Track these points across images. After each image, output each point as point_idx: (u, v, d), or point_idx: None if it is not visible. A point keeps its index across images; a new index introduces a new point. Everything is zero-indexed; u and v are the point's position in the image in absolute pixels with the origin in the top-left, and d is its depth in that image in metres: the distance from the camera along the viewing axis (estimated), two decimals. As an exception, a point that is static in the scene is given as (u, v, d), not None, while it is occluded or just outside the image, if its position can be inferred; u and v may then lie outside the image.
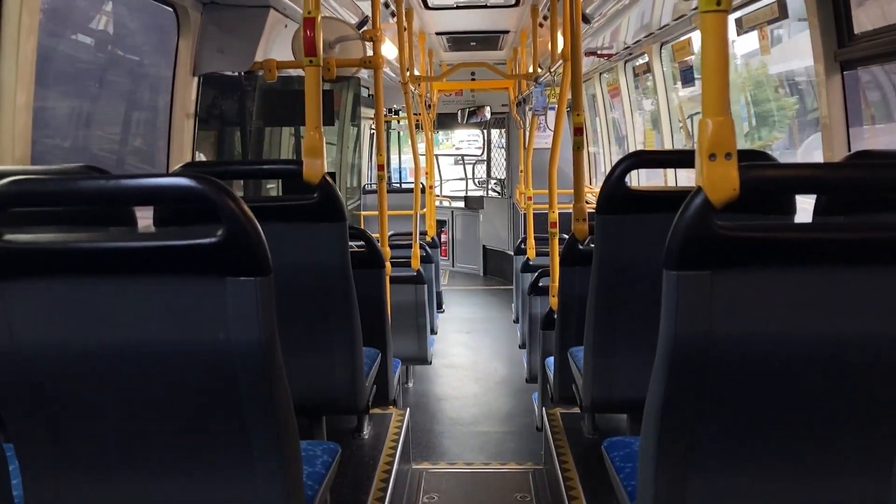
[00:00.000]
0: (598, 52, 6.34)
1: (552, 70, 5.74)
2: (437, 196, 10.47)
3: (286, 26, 4.19)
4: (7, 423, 1.55)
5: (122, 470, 1.57)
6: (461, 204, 11.70)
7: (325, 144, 2.44)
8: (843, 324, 1.38)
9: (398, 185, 12.35)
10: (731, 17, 4.05)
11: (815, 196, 1.89)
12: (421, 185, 6.30)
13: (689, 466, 1.47)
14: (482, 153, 12.07)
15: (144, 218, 2.38)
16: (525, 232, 6.39)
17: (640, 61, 6.30)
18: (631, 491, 1.79)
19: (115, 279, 1.41)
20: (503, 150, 11.30)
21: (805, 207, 2.07)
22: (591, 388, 2.56)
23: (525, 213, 6.59)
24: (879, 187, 1.49)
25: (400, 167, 13.49)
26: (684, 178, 5.48)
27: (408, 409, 3.66)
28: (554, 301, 3.96)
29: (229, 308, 1.38)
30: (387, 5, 5.04)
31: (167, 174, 1.41)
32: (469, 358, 7.07)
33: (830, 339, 1.39)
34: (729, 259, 1.33)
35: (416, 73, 6.73)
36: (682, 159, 2.79)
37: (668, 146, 5.87)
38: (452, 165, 14.22)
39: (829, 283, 1.36)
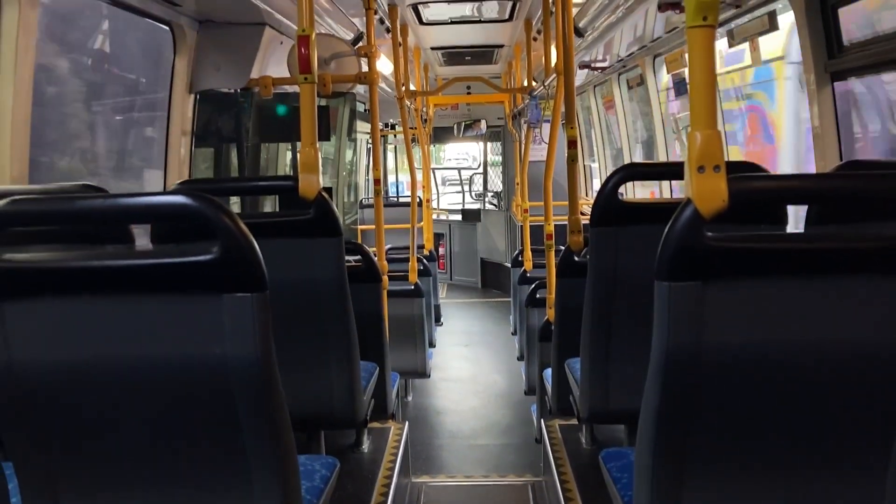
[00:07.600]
0: (592, 64, 6.36)
1: (546, 83, 5.77)
2: (435, 209, 10.50)
3: (282, 43, 4.23)
4: (6, 441, 1.56)
5: (121, 486, 1.57)
6: (459, 217, 11.73)
7: (321, 160, 2.45)
8: (835, 332, 1.39)
9: (395, 199, 12.38)
10: (724, 29, 4.09)
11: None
12: (418, 199, 6.32)
13: (684, 476, 1.48)
14: (479, 166, 12.11)
15: (143, 236, 2.40)
16: (522, 244, 6.41)
17: (634, 73, 6.33)
18: (628, 501, 1.80)
19: (112, 297, 1.42)
20: (496, 166, 11.34)
21: (801, 215, 2.08)
22: (588, 399, 2.57)
23: (522, 226, 6.61)
24: (867, 197, 1.51)
25: (397, 181, 13.53)
26: (679, 190, 5.50)
27: (406, 423, 3.65)
28: (551, 313, 3.97)
29: (226, 324, 1.39)
30: (381, 21, 5.09)
31: (163, 192, 1.43)
32: (468, 371, 7.05)
33: (822, 348, 1.40)
34: (719, 269, 1.35)
35: (412, 87, 6.76)
36: (674, 171, 2.81)
37: (662, 158, 5.90)
38: (444, 186, 14.28)
39: (819, 293, 1.38)
